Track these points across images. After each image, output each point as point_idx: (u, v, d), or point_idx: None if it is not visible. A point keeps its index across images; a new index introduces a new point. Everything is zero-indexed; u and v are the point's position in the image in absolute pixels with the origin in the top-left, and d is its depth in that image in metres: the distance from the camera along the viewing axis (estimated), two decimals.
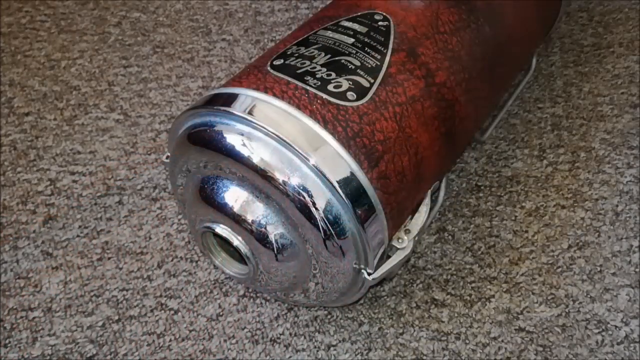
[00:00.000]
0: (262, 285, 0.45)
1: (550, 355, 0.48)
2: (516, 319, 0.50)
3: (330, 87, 0.41)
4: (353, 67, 0.42)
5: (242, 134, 0.39)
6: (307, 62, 0.42)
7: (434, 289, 0.52)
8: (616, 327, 0.49)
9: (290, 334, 0.50)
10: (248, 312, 0.51)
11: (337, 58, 0.43)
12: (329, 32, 0.45)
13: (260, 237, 0.40)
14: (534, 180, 0.60)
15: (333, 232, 0.39)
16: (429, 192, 0.46)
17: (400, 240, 0.43)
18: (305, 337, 0.50)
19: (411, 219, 0.45)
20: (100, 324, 0.51)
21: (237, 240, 0.40)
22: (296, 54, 0.43)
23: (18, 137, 0.67)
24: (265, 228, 0.40)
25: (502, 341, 0.49)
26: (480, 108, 0.52)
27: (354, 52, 0.43)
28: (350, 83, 0.41)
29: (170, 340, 0.50)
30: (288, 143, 0.38)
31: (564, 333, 0.49)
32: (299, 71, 0.41)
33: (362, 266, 0.41)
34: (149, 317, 0.51)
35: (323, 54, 0.43)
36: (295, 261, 0.41)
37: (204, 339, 0.50)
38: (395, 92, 0.42)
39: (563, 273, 0.53)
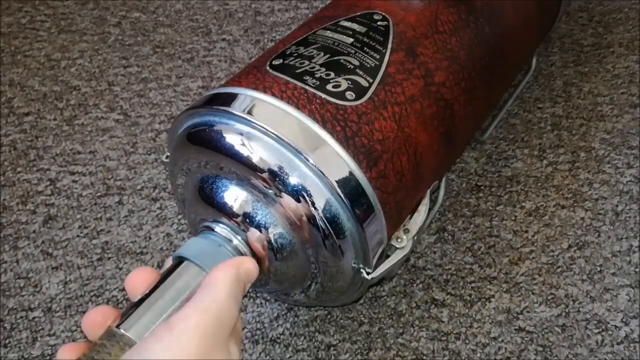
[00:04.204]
0: (261, 285, 0.45)
1: (550, 355, 0.48)
2: (516, 319, 0.50)
3: (329, 87, 0.41)
4: (352, 66, 0.42)
5: (242, 134, 0.39)
6: (306, 62, 0.42)
7: (434, 289, 0.52)
8: (616, 327, 0.49)
9: (290, 334, 0.50)
10: (248, 312, 0.51)
11: (336, 58, 0.43)
12: (328, 32, 0.45)
13: (259, 236, 0.40)
14: (534, 180, 0.60)
15: (332, 232, 0.39)
16: (429, 191, 0.46)
17: (399, 240, 0.43)
18: (305, 337, 0.50)
19: (410, 218, 0.45)
20: None
21: (236, 240, 0.40)
22: (295, 54, 0.43)
23: (18, 137, 0.67)
24: (265, 227, 0.40)
25: (502, 341, 0.49)
26: (480, 108, 0.52)
27: (353, 51, 0.43)
28: (349, 83, 0.41)
29: None
30: (287, 142, 0.38)
31: (564, 333, 0.49)
32: (298, 71, 0.41)
33: (361, 265, 0.41)
34: None
35: (322, 53, 0.43)
36: (294, 261, 0.41)
37: None
38: (394, 91, 0.42)
39: (563, 273, 0.53)
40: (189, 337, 0.29)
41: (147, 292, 0.34)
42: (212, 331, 0.30)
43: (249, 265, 0.36)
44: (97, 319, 0.33)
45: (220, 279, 0.33)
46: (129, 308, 0.33)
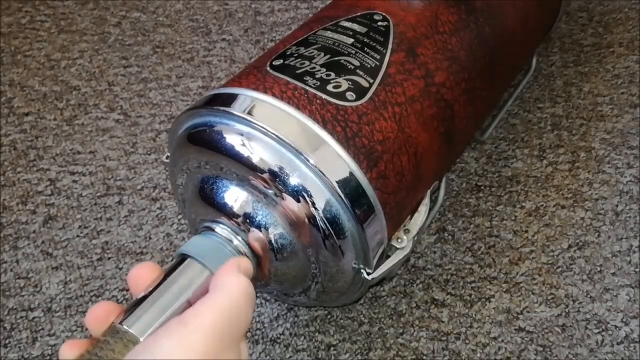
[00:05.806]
0: (262, 286, 0.45)
1: (550, 355, 0.48)
2: (516, 319, 0.50)
3: (330, 87, 0.41)
4: (352, 67, 0.42)
5: (242, 134, 0.39)
6: (307, 63, 0.42)
7: (434, 289, 0.52)
8: (616, 327, 0.49)
9: (290, 334, 0.50)
10: None
11: (336, 58, 0.43)
12: (329, 32, 0.45)
13: (259, 237, 0.40)
14: (534, 180, 0.60)
15: (332, 232, 0.39)
16: (429, 191, 0.46)
17: (399, 240, 0.43)
18: (305, 337, 0.50)
19: (410, 218, 0.45)
20: None
21: (236, 240, 0.40)
22: (296, 54, 0.43)
23: (18, 137, 0.67)
24: (265, 228, 0.40)
25: (502, 341, 0.49)
26: (480, 108, 0.52)
27: (353, 52, 0.43)
28: (350, 83, 0.41)
29: None
30: (287, 143, 0.38)
31: (564, 333, 0.49)
32: (298, 71, 0.41)
33: (362, 266, 0.41)
34: None
35: (322, 54, 0.43)
36: (294, 261, 0.41)
37: None
38: (395, 92, 0.42)
39: (563, 273, 0.53)
40: (201, 336, 0.29)
41: (150, 289, 0.34)
42: (226, 331, 0.30)
43: (246, 264, 0.36)
44: (100, 315, 0.33)
45: (230, 277, 0.33)
46: (132, 304, 0.33)
